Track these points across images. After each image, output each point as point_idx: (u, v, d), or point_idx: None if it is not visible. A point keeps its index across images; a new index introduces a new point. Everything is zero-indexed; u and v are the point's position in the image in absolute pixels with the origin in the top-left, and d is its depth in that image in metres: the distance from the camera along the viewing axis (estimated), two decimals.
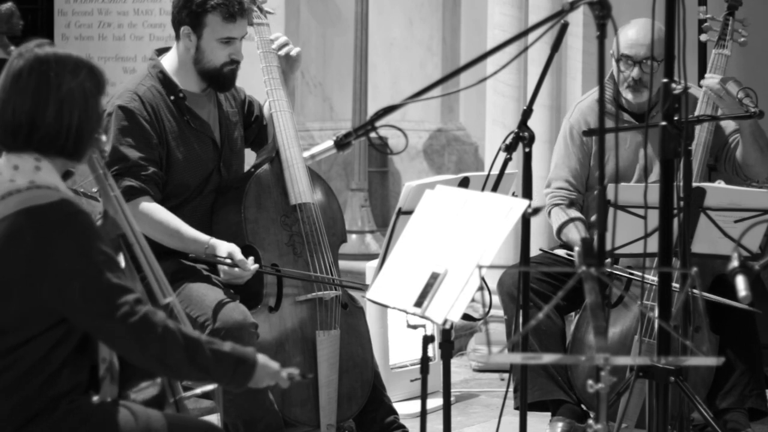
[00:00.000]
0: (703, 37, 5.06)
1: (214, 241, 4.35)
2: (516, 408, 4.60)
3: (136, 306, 2.97)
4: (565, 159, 5.08)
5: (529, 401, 4.82)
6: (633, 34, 4.92)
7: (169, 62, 4.53)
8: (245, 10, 4.48)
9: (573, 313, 5.13)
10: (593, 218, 4.90)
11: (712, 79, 4.86)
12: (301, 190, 4.57)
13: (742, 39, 4.99)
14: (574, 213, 5.00)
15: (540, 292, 4.84)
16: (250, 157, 4.76)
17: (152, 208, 4.35)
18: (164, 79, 4.48)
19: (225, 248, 4.31)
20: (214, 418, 4.48)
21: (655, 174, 4.77)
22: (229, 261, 4.30)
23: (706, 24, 5.02)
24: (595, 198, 4.70)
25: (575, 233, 4.93)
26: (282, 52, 4.70)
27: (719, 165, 5.02)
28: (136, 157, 4.33)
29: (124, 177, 4.30)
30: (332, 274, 4.58)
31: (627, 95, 4.97)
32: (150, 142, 4.38)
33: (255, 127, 4.78)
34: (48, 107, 3.02)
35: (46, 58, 3.05)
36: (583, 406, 4.93)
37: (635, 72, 4.92)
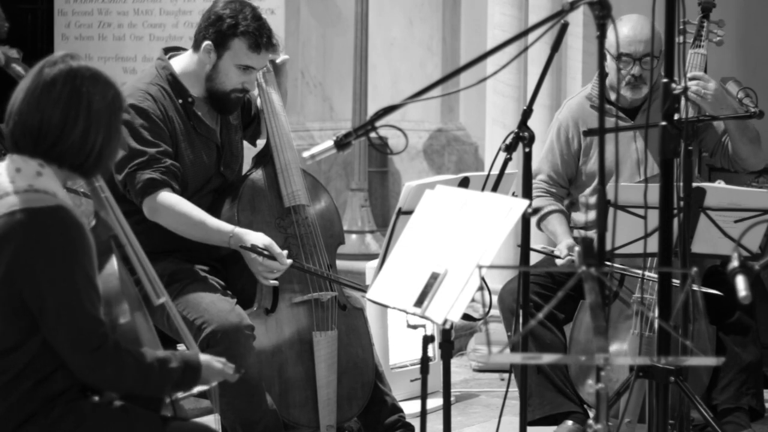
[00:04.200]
0: (679, 39, 5.05)
1: (238, 230, 4.31)
2: (529, 423, 4.52)
3: (103, 339, 2.99)
4: (549, 154, 5.14)
5: (538, 416, 4.83)
6: (628, 31, 4.90)
7: (179, 65, 4.50)
8: (272, 44, 4.46)
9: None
10: (592, 218, 4.90)
11: (695, 85, 4.85)
12: (295, 193, 4.56)
13: (718, 38, 4.99)
14: (554, 205, 5.06)
15: (542, 306, 4.80)
16: (248, 157, 4.75)
17: (174, 199, 4.30)
18: (174, 82, 4.45)
19: (255, 239, 4.28)
20: (212, 419, 4.47)
21: (650, 167, 4.77)
22: (266, 253, 4.29)
23: (681, 28, 5.02)
24: (592, 197, 4.70)
25: (555, 224, 4.99)
26: None
27: (714, 160, 5.02)
28: (154, 152, 4.30)
29: (144, 170, 4.27)
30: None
31: (626, 93, 4.96)
32: (164, 138, 4.34)
33: (255, 123, 4.79)
34: (77, 125, 3.01)
35: (80, 72, 3.03)
36: (591, 414, 4.91)
37: (636, 69, 4.92)
